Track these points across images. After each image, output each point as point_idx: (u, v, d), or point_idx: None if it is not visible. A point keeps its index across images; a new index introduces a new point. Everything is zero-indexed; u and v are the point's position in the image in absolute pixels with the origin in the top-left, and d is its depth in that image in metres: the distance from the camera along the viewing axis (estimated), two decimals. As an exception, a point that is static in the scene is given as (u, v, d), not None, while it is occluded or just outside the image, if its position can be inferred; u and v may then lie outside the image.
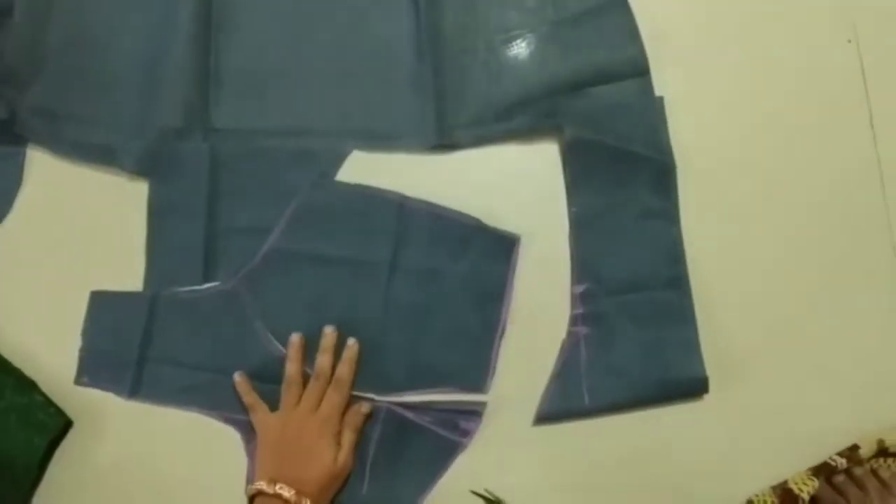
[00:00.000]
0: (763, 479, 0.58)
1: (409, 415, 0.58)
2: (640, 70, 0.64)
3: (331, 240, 0.61)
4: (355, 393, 0.58)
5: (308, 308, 0.60)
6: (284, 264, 0.61)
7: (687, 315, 0.60)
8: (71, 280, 0.61)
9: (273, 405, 0.58)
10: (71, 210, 0.63)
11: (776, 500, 0.57)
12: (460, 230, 0.61)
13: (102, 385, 0.60)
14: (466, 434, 0.58)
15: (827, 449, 0.58)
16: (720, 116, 0.65)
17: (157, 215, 0.62)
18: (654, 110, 0.64)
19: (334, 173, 0.63)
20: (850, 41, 0.66)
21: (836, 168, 0.64)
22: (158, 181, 0.63)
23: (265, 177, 0.63)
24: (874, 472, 0.57)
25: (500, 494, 0.57)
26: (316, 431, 0.56)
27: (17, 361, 0.59)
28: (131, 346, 0.60)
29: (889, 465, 0.58)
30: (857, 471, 0.57)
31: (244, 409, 0.58)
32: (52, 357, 0.60)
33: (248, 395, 0.58)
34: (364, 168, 0.63)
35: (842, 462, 0.57)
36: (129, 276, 0.61)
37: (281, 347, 0.59)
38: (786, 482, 0.57)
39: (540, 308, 0.61)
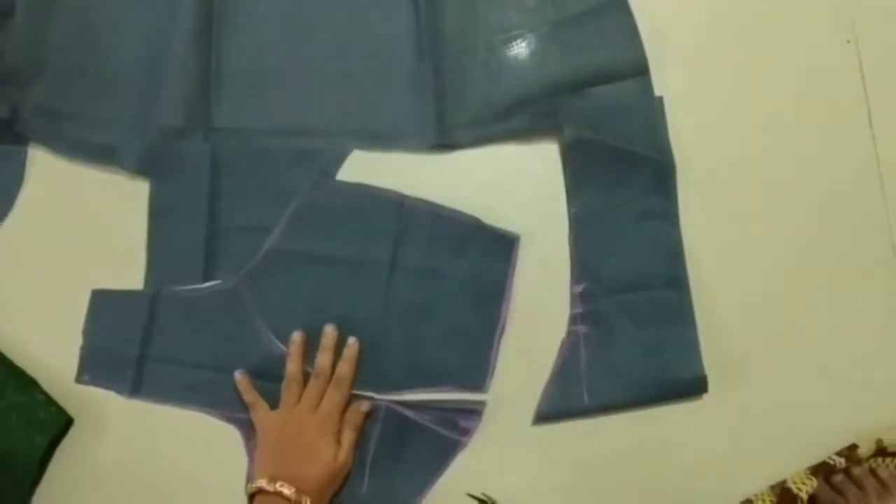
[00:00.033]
0: (762, 479, 0.58)
1: (409, 413, 0.59)
2: (639, 70, 0.64)
3: (331, 239, 0.61)
4: (355, 391, 0.59)
5: (308, 307, 0.60)
6: (285, 263, 0.61)
7: (686, 315, 0.60)
8: (72, 279, 0.61)
9: (273, 404, 0.58)
10: (72, 209, 0.63)
11: (775, 500, 0.57)
12: (460, 229, 0.61)
13: (103, 383, 0.60)
14: (466, 433, 0.58)
15: (825, 448, 0.58)
16: (720, 116, 0.65)
17: (158, 214, 0.62)
18: (653, 110, 0.64)
19: (335, 173, 0.63)
20: (849, 41, 0.66)
21: (835, 168, 0.64)
22: (159, 180, 0.63)
23: (266, 176, 0.63)
24: (873, 472, 0.57)
25: (500, 493, 0.57)
26: (316, 430, 0.56)
27: (18, 360, 0.59)
28: (132, 344, 0.60)
29: (887, 465, 0.58)
30: (856, 470, 0.57)
31: (244, 408, 0.58)
32: (54, 355, 0.60)
33: (249, 394, 0.58)
34: (364, 168, 0.63)
35: (840, 461, 0.57)
36: (130, 274, 0.61)
37: (281, 346, 0.59)
38: (784, 481, 0.57)
39: (539, 307, 0.61)
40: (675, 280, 0.61)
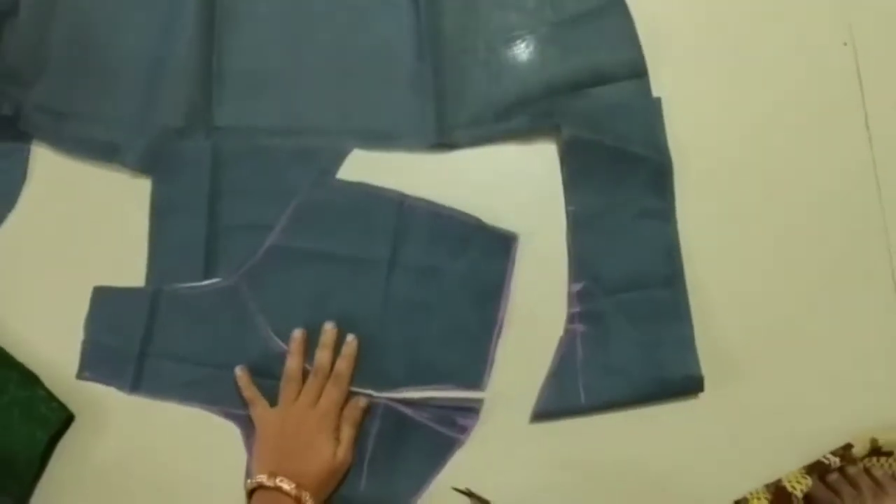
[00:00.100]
0: (757, 478, 0.58)
1: (408, 411, 0.59)
2: (638, 71, 0.65)
3: (331, 237, 0.62)
4: (354, 389, 0.59)
5: (308, 304, 0.60)
6: (285, 261, 0.61)
7: (683, 314, 0.61)
8: (73, 275, 0.61)
9: (273, 401, 0.58)
10: (74, 206, 0.63)
11: (770, 498, 0.57)
12: (460, 229, 0.62)
13: (104, 380, 0.60)
14: (464, 430, 0.59)
15: (821, 448, 0.58)
16: (717, 117, 0.65)
17: (160, 212, 0.63)
18: (651, 111, 0.64)
19: (335, 172, 0.64)
20: (846, 44, 0.66)
21: (831, 169, 0.64)
22: (161, 179, 0.63)
23: (266, 175, 0.63)
24: (867, 471, 0.58)
25: (497, 491, 0.57)
26: (315, 426, 0.56)
27: (20, 356, 0.59)
28: (133, 341, 0.60)
29: (882, 464, 0.58)
30: (851, 469, 0.57)
31: (244, 405, 0.59)
32: (55, 352, 0.60)
33: (248, 390, 0.59)
34: (364, 167, 0.64)
35: (835, 461, 0.58)
36: (132, 272, 0.62)
37: (281, 343, 0.60)
38: (780, 480, 0.58)
39: (537, 306, 0.61)
40: (672, 279, 0.61)
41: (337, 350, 0.59)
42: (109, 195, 0.63)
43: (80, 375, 0.60)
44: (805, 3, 0.67)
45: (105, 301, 0.61)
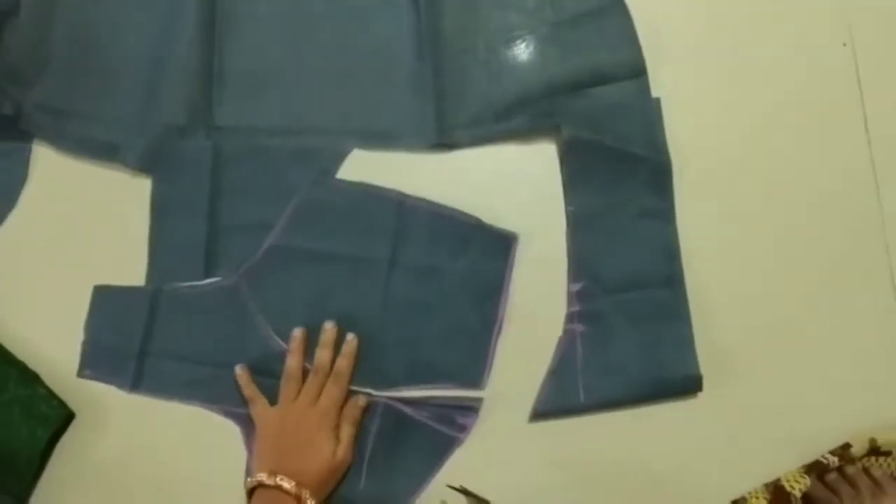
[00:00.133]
0: (756, 477, 0.58)
1: (407, 410, 0.59)
2: (637, 71, 0.65)
3: (331, 237, 0.62)
4: (354, 388, 0.59)
5: (308, 304, 0.61)
6: (285, 260, 0.61)
7: (682, 314, 0.61)
8: (74, 274, 0.61)
9: (273, 399, 0.58)
10: (75, 205, 0.63)
11: (769, 497, 0.57)
12: (459, 228, 0.62)
13: (104, 378, 0.60)
14: (463, 429, 0.59)
15: (819, 447, 0.59)
16: (716, 117, 0.65)
17: (160, 212, 0.63)
18: (651, 111, 0.64)
19: (335, 171, 0.64)
20: (845, 45, 0.67)
21: (830, 169, 0.64)
22: (161, 178, 0.63)
23: (267, 175, 0.64)
24: (866, 471, 0.58)
25: (496, 489, 0.57)
26: (315, 424, 0.56)
27: (20, 354, 0.60)
28: (133, 339, 0.60)
29: (881, 464, 0.59)
30: (850, 469, 0.58)
31: (244, 403, 0.59)
32: (55, 350, 0.60)
33: (248, 388, 0.59)
34: (364, 166, 0.64)
35: (834, 460, 0.58)
36: (132, 271, 0.62)
37: (281, 342, 0.60)
38: (778, 480, 0.58)
39: (537, 305, 0.61)
40: (671, 279, 0.61)
41: (337, 349, 0.59)
42: (110, 194, 0.63)
43: (80, 374, 0.60)
44: (804, 3, 0.67)
45: (105, 300, 0.61)
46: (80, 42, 0.66)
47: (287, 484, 0.53)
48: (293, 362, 0.58)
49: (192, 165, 0.63)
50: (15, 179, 0.64)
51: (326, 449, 0.56)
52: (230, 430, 0.59)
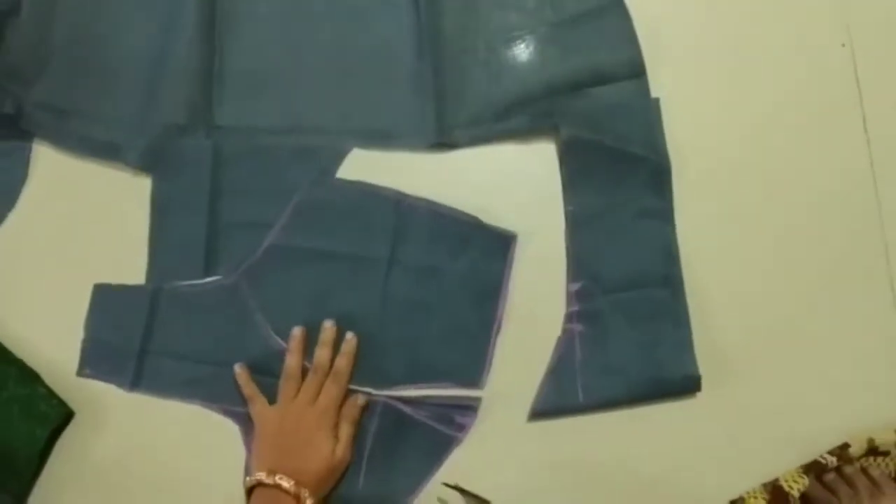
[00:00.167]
0: (754, 477, 0.58)
1: (406, 409, 0.59)
2: (637, 71, 0.65)
3: (331, 236, 0.62)
4: (353, 387, 0.59)
5: (307, 303, 0.61)
6: (285, 259, 0.62)
7: (681, 314, 0.61)
8: (74, 273, 0.62)
9: (272, 398, 0.58)
10: (75, 204, 0.63)
11: (767, 497, 0.57)
12: (459, 228, 0.62)
13: (104, 377, 0.60)
14: (462, 429, 0.59)
15: (818, 447, 0.59)
16: (715, 118, 0.65)
17: (160, 210, 0.63)
18: (650, 111, 0.64)
19: (334, 171, 0.64)
20: (844, 45, 0.67)
21: (829, 169, 0.64)
22: (161, 177, 0.64)
23: (266, 174, 0.64)
24: (864, 471, 0.58)
25: (494, 488, 0.57)
26: (314, 423, 0.56)
27: (20, 353, 0.60)
28: (133, 338, 0.60)
29: (879, 464, 0.59)
30: (848, 469, 0.58)
31: (243, 402, 0.59)
32: (55, 349, 0.60)
33: (248, 387, 0.59)
34: (364, 166, 0.64)
35: (832, 460, 0.58)
36: (132, 269, 0.62)
37: (280, 341, 0.60)
38: (777, 480, 0.58)
39: (536, 305, 0.61)
40: (670, 279, 0.61)
41: (336, 348, 0.59)
42: (110, 193, 0.64)
43: (80, 373, 0.60)
44: (803, 4, 0.67)
45: (105, 298, 0.61)
46: (81, 41, 0.66)
47: (286, 483, 0.53)
48: (292, 361, 0.59)
49: (192, 165, 0.63)
50: (15, 178, 0.64)
51: (325, 448, 0.56)
52: (229, 429, 0.59)
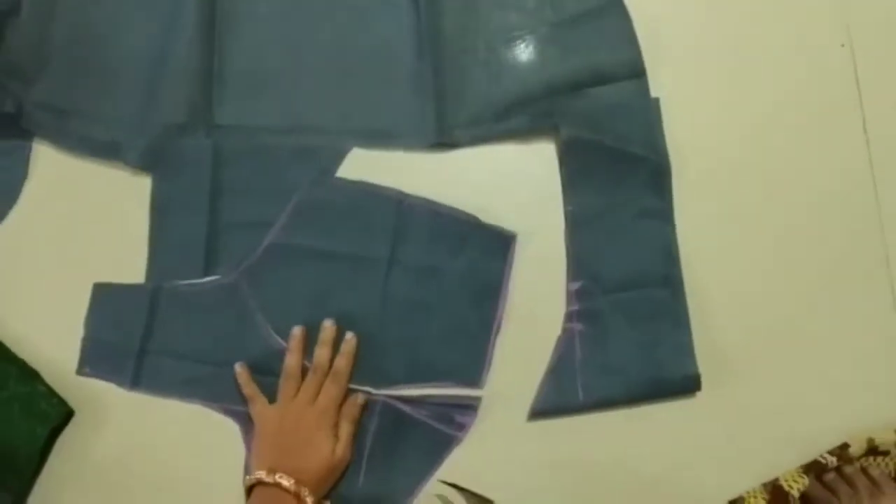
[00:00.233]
0: (754, 477, 0.58)
1: (406, 408, 0.59)
2: (636, 72, 0.65)
3: (330, 235, 0.62)
4: (353, 386, 0.59)
5: (307, 302, 0.61)
6: (285, 259, 0.62)
7: (681, 314, 0.61)
8: (74, 272, 0.62)
9: (272, 398, 0.59)
10: (75, 203, 0.63)
11: (767, 497, 0.57)
12: (458, 227, 0.62)
13: (104, 376, 0.60)
14: (462, 428, 0.59)
15: (818, 447, 0.59)
16: (715, 118, 0.65)
17: (160, 210, 0.63)
18: (650, 111, 0.64)
19: (335, 170, 0.64)
20: (843, 45, 0.67)
21: (829, 170, 0.65)
22: (161, 176, 0.64)
23: (267, 173, 0.64)
24: (864, 471, 0.58)
25: (494, 488, 0.57)
26: (314, 423, 0.56)
27: (20, 351, 0.60)
28: (133, 337, 0.60)
29: (879, 464, 0.59)
30: (848, 469, 0.58)
31: (243, 401, 0.59)
32: (55, 347, 0.60)
33: (248, 386, 0.59)
34: (364, 165, 0.64)
35: (832, 460, 0.58)
36: (132, 268, 0.62)
37: (280, 341, 0.60)
38: (776, 479, 0.58)
39: (536, 305, 0.61)
40: (670, 279, 0.61)
41: (336, 347, 0.59)
42: (110, 193, 0.64)
43: (80, 371, 0.60)
44: (803, 4, 0.68)
45: (105, 297, 0.62)
46: (81, 41, 0.66)
47: (286, 482, 0.53)
48: (292, 360, 0.59)
49: (192, 164, 0.64)
50: (15, 177, 0.64)
51: (325, 447, 0.56)
52: (229, 428, 0.59)
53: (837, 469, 0.58)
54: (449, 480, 0.58)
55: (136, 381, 0.60)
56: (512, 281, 0.62)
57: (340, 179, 0.64)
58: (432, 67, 0.65)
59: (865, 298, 0.62)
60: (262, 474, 0.53)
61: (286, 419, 0.57)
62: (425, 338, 0.60)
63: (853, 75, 0.66)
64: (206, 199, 0.63)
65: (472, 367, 0.60)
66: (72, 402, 0.59)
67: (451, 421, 0.59)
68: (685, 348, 0.60)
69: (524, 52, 0.66)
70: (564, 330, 0.61)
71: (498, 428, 0.59)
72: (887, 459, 0.59)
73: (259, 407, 0.58)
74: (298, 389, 0.58)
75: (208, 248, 0.62)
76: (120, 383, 0.60)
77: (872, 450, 0.58)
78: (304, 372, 0.59)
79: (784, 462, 0.59)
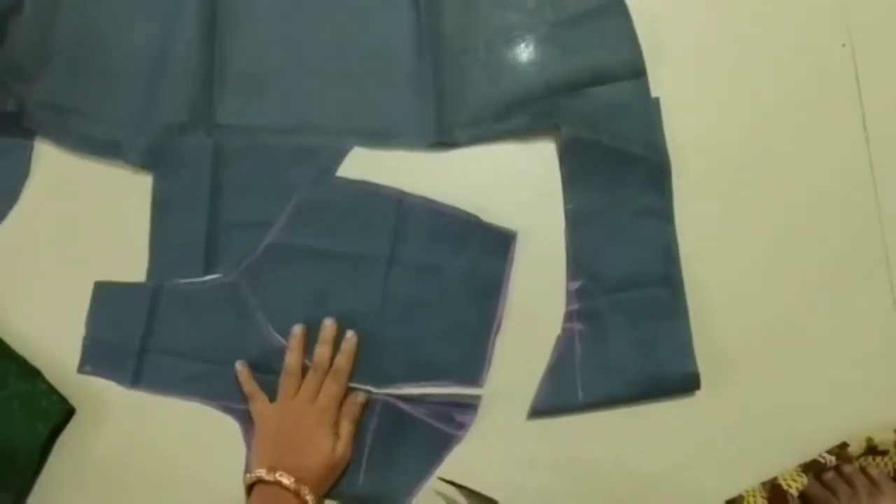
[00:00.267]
0: (753, 475, 0.58)
1: (406, 407, 0.59)
2: (637, 71, 0.65)
3: (331, 234, 0.62)
4: (353, 385, 0.59)
5: (308, 301, 0.61)
6: (285, 258, 0.62)
7: (680, 313, 0.61)
8: (75, 270, 0.62)
9: (272, 396, 0.59)
10: (76, 202, 0.63)
11: (766, 496, 0.57)
12: (458, 226, 0.62)
13: (104, 374, 0.60)
14: (462, 427, 0.59)
15: (817, 446, 0.59)
16: (715, 118, 0.65)
17: (161, 208, 0.63)
18: (650, 111, 0.64)
19: (335, 170, 0.64)
20: (844, 45, 0.67)
21: (829, 169, 0.65)
22: (162, 175, 0.64)
23: (267, 172, 0.64)
24: (863, 470, 0.58)
25: (494, 486, 0.57)
26: (314, 421, 0.56)
27: (21, 349, 0.60)
28: (133, 336, 0.60)
29: (878, 463, 0.59)
30: (847, 468, 0.58)
31: (243, 399, 0.59)
32: (56, 346, 0.60)
33: (249, 384, 0.59)
34: (364, 165, 0.64)
35: (831, 459, 0.58)
36: (133, 267, 0.62)
37: (281, 339, 0.60)
38: (775, 478, 0.58)
39: (536, 304, 0.61)
40: (669, 279, 0.61)
41: (336, 346, 0.60)
42: (111, 191, 0.64)
43: (80, 369, 0.61)
44: (803, 4, 0.68)
45: (106, 296, 0.62)
46: (83, 40, 0.67)
47: (286, 480, 0.53)
48: (293, 359, 0.59)
49: (192, 163, 0.64)
50: (16, 176, 0.64)
51: (325, 445, 0.56)
52: (230, 427, 0.60)
53: (836, 468, 0.58)
54: (445, 476, 0.58)
55: (136, 379, 0.60)
56: (512, 280, 0.62)
57: (341, 179, 0.64)
58: (432, 67, 0.65)
59: (865, 298, 0.62)
60: (262, 472, 0.54)
61: (286, 417, 0.57)
62: (425, 337, 0.61)
63: (853, 75, 0.66)
64: (206, 198, 0.63)
65: (472, 366, 0.60)
66: (72, 401, 0.59)
67: (451, 420, 0.59)
68: (684, 347, 0.60)
69: (524, 51, 0.66)
70: (564, 329, 0.61)
71: (498, 427, 0.59)
72: (886, 459, 0.59)
73: (259, 405, 0.58)
74: (299, 388, 0.58)
75: (209, 246, 0.62)
76: (120, 381, 0.60)
77: (871, 449, 0.58)
78: (304, 370, 0.59)
79: (783, 461, 0.59)
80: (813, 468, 0.58)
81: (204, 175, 0.63)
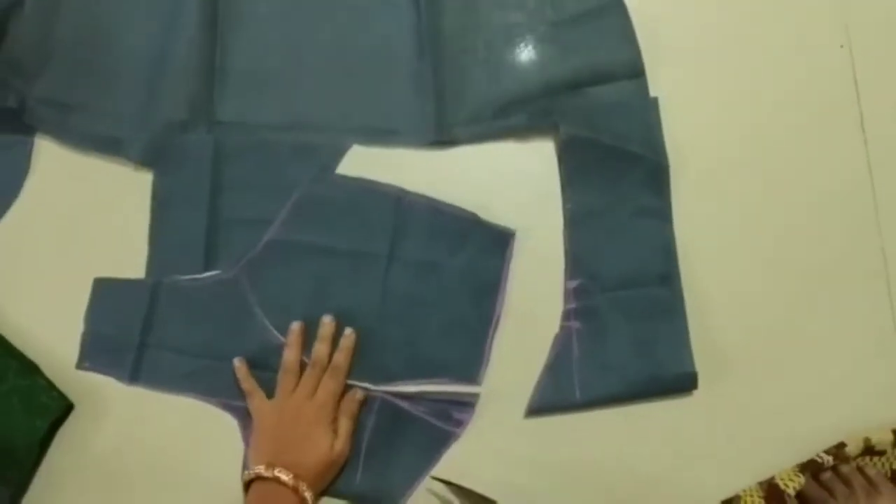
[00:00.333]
0: (750, 475, 0.58)
1: (404, 404, 0.59)
2: (636, 71, 0.65)
3: (330, 232, 0.62)
4: (351, 382, 0.59)
5: (307, 298, 0.61)
6: (284, 254, 0.62)
7: (678, 312, 0.61)
8: (75, 266, 0.62)
9: (270, 393, 0.59)
10: (76, 199, 0.64)
11: (763, 495, 0.57)
12: (458, 224, 0.62)
13: (103, 370, 0.60)
14: (459, 424, 0.59)
15: (814, 446, 0.59)
16: (714, 118, 0.66)
17: (161, 205, 0.63)
18: (649, 111, 0.65)
19: (334, 167, 0.64)
20: (842, 46, 0.67)
21: (827, 169, 0.65)
22: (162, 172, 0.64)
23: (267, 170, 0.64)
24: (861, 470, 0.58)
25: (491, 484, 0.57)
26: (312, 418, 0.56)
27: (20, 345, 0.60)
28: (132, 332, 0.61)
29: (875, 463, 0.59)
30: (844, 468, 0.58)
31: (242, 396, 0.59)
32: (55, 341, 0.61)
33: (247, 381, 0.59)
34: (364, 162, 0.64)
35: (828, 459, 0.58)
36: (132, 263, 0.62)
37: (279, 336, 0.60)
38: (773, 478, 0.58)
39: (534, 302, 0.61)
40: (667, 278, 0.62)
41: (335, 343, 0.60)
42: (111, 188, 0.64)
43: (79, 365, 0.61)
44: (802, 5, 0.68)
45: (105, 292, 0.62)
46: (84, 38, 0.67)
47: (284, 476, 0.53)
48: (291, 356, 0.59)
49: (193, 160, 0.64)
50: (17, 172, 0.64)
51: (324, 442, 0.56)
52: (228, 423, 0.60)
53: (834, 468, 0.58)
54: (446, 477, 0.58)
55: (135, 375, 0.60)
56: (510, 278, 0.62)
57: (340, 176, 0.64)
58: (432, 67, 0.65)
59: (863, 298, 0.62)
60: (260, 469, 0.54)
61: (285, 414, 0.57)
62: (424, 334, 0.61)
63: (852, 76, 0.66)
64: (206, 195, 0.63)
65: (471, 363, 0.60)
66: (71, 396, 0.59)
67: (449, 417, 0.59)
68: (682, 347, 0.60)
69: (524, 51, 0.66)
70: (562, 327, 0.61)
71: (495, 425, 0.59)
72: (883, 459, 0.59)
73: (257, 402, 0.58)
74: (297, 384, 0.58)
75: (208, 243, 0.62)
76: (119, 377, 0.60)
77: (869, 449, 0.58)
78: (302, 367, 0.59)
79: (780, 461, 0.59)
80: (810, 468, 0.58)
81: (204, 172, 0.63)
